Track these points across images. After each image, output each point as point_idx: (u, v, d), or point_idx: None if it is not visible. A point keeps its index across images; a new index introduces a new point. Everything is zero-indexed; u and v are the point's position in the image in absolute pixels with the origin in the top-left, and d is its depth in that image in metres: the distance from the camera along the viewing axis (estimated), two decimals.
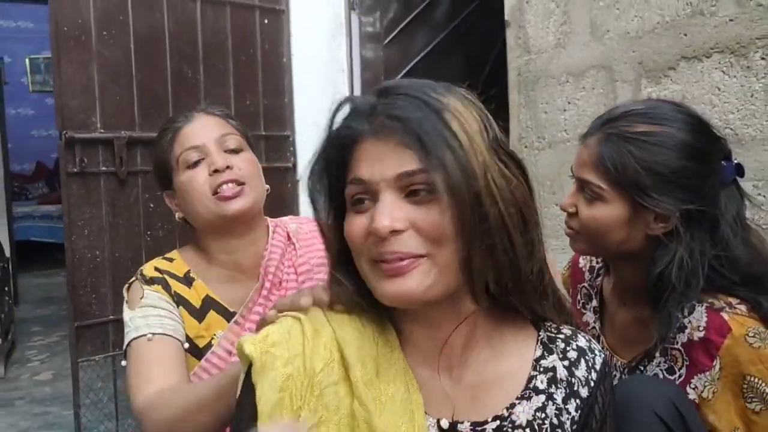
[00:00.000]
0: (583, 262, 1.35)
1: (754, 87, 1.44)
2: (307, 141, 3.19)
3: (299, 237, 1.37)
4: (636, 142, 1.09)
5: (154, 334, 1.19)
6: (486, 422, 0.77)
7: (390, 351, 0.78)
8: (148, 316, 1.21)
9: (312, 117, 3.21)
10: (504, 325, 0.82)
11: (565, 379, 0.79)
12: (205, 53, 2.78)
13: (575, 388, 0.79)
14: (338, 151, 0.76)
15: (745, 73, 1.45)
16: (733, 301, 1.06)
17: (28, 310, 5.22)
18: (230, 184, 1.24)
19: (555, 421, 0.77)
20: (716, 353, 1.03)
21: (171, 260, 1.32)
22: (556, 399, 0.78)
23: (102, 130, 2.47)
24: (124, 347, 1.23)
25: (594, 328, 1.28)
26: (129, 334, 1.21)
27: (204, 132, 1.27)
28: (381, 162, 0.71)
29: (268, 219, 1.37)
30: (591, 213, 1.12)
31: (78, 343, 2.41)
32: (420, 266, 0.70)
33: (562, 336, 0.82)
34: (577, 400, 0.79)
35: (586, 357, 0.81)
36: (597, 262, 1.31)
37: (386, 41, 3.35)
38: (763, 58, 1.42)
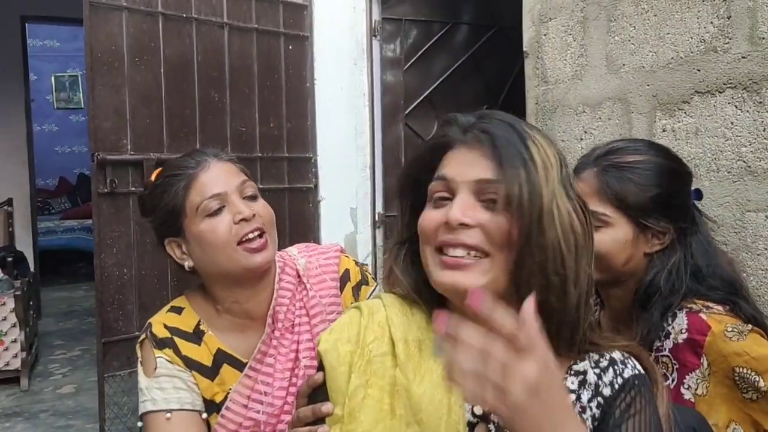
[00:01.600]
0: None
1: (766, 122, 1.48)
2: (329, 162, 3.27)
3: (309, 275, 1.34)
4: (632, 170, 1.23)
5: (172, 411, 1.19)
6: None
7: (434, 337, 0.85)
8: (165, 388, 1.20)
9: (334, 139, 3.30)
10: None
11: (593, 382, 0.84)
12: (231, 78, 2.88)
13: (600, 389, 0.84)
14: (431, 153, 0.87)
15: (757, 108, 1.50)
16: (710, 304, 1.17)
17: (51, 323, 5.31)
18: (255, 233, 1.22)
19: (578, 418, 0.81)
20: (701, 351, 1.12)
21: (180, 311, 1.28)
22: (582, 399, 0.83)
23: (132, 152, 2.56)
24: (141, 413, 1.22)
25: None
26: (146, 404, 1.21)
27: (224, 180, 1.24)
28: (466, 166, 0.82)
29: (276, 254, 1.33)
30: (599, 239, 1.19)
31: (104, 359, 2.48)
32: (478, 265, 0.79)
33: (600, 347, 0.87)
34: (599, 398, 0.83)
35: (616, 366, 0.85)
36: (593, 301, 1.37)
37: (406, 66, 3.43)
38: None
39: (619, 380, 0.84)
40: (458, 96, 3.52)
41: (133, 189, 2.56)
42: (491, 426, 0.83)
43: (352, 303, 1.29)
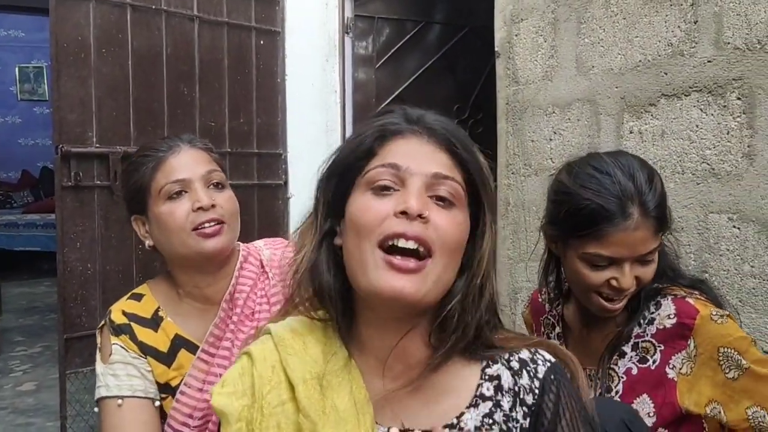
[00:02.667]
0: (541, 297, 1.45)
1: (730, 125, 1.52)
2: (299, 159, 3.25)
3: (272, 266, 1.36)
4: (662, 195, 1.19)
5: (123, 397, 1.22)
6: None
7: (341, 366, 0.82)
8: (118, 375, 1.23)
9: (304, 136, 3.27)
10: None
11: (510, 387, 0.83)
12: (201, 72, 2.84)
13: (521, 396, 0.82)
14: (375, 139, 0.81)
15: (721, 111, 1.53)
16: (691, 290, 1.21)
17: (11, 319, 5.18)
18: (212, 223, 1.24)
19: (504, 427, 0.80)
20: (690, 334, 1.16)
21: (140, 297, 1.32)
22: (503, 406, 0.82)
23: (98, 145, 2.51)
24: (96, 398, 1.26)
25: None
26: (100, 390, 1.24)
27: (191, 166, 1.27)
28: (420, 157, 0.79)
29: (240, 245, 1.36)
30: (651, 270, 1.19)
31: (67, 355, 2.42)
32: (424, 268, 0.75)
33: (505, 349, 0.86)
34: (524, 408, 0.82)
35: (528, 367, 0.84)
36: (552, 295, 1.39)
37: (378, 64, 3.43)
38: (738, 98, 1.50)
39: (536, 383, 0.83)
40: (430, 95, 3.53)
41: (98, 183, 2.51)
42: None
43: None
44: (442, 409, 0.82)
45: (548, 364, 0.84)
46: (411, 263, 0.74)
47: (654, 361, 1.20)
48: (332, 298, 0.82)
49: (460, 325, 0.80)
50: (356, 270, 0.77)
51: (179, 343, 1.28)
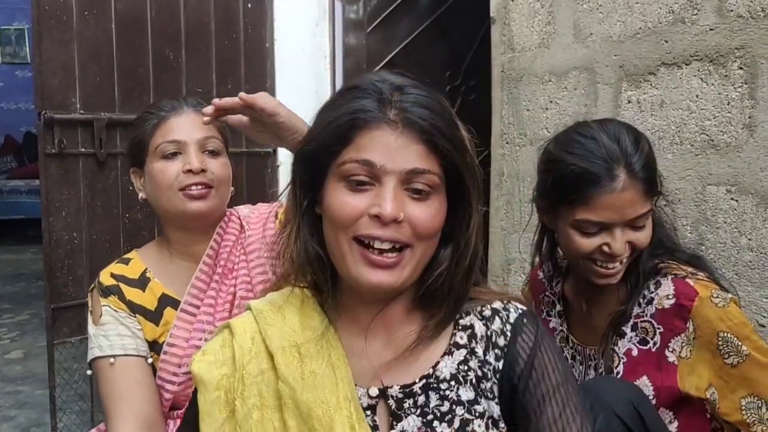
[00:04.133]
0: (541, 274, 1.43)
1: (731, 95, 1.49)
2: None
3: (249, 221, 1.41)
4: (648, 157, 1.18)
5: (115, 356, 1.27)
6: (414, 383, 0.84)
7: (320, 334, 0.85)
8: (109, 336, 1.28)
9: (293, 102, 3.20)
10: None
11: (483, 334, 0.86)
12: (187, 36, 2.75)
13: (493, 340, 0.85)
14: (345, 126, 0.78)
15: (722, 81, 1.50)
16: (693, 270, 1.19)
17: None
18: (199, 186, 1.30)
19: (479, 372, 0.84)
20: (688, 315, 1.14)
21: (128, 261, 1.37)
22: (477, 352, 0.85)
23: (82, 111, 2.44)
24: (89, 360, 1.31)
25: (562, 330, 1.35)
26: (93, 351, 1.29)
27: (189, 129, 1.31)
28: (394, 152, 0.76)
29: (226, 209, 1.42)
30: (643, 236, 1.17)
31: (54, 325, 2.39)
32: (400, 260, 0.78)
33: (478, 301, 0.89)
34: (496, 350, 0.85)
35: (500, 314, 0.87)
36: (551, 272, 1.38)
37: (369, 29, 3.35)
38: (740, 68, 1.47)
39: (508, 327, 0.86)
40: (421, 60, 3.46)
41: (83, 150, 2.45)
42: (390, 401, 0.84)
43: None
44: (419, 362, 0.85)
45: (520, 310, 0.88)
46: (388, 259, 0.77)
47: (654, 344, 1.19)
48: (316, 268, 0.84)
49: (450, 299, 0.84)
50: (336, 256, 0.81)
51: (165, 301, 1.33)
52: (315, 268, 0.84)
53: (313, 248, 0.83)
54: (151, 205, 1.37)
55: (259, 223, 1.41)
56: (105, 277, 1.33)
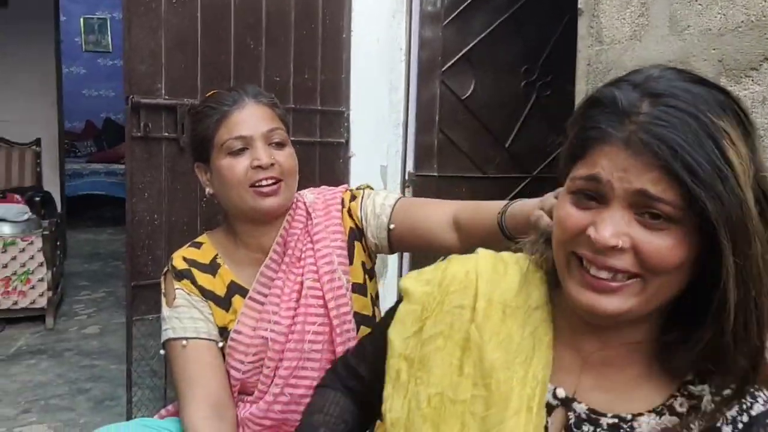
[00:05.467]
0: None
1: None
2: (361, 117, 3.20)
3: (315, 208, 1.40)
4: None
5: (188, 338, 1.28)
6: (605, 415, 0.75)
7: (533, 306, 0.80)
8: (182, 318, 1.30)
9: (368, 94, 3.22)
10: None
11: (709, 413, 0.72)
12: (267, 25, 2.80)
13: (717, 425, 0.71)
14: (578, 142, 0.72)
15: None
16: None
17: (76, 264, 5.38)
18: (270, 181, 1.29)
19: None
20: None
21: (199, 246, 1.38)
22: (692, 429, 0.71)
23: (166, 97, 2.52)
24: (162, 341, 1.33)
25: None
26: (166, 332, 1.31)
27: (253, 123, 1.30)
28: (626, 171, 0.66)
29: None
30: None
31: (133, 302, 2.48)
32: (626, 288, 0.69)
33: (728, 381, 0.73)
34: None
35: (744, 400, 0.72)
36: None
37: (446, 22, 3.32)
38: None
39: (745, 418, 0.71)
40: (497, 54, 3.42)
41: (166, 134, 2.52)
42: (571, 414, 0.76)
43: (352, 226, 1.39)
44: (621, 400, 0.75)
45: None
46: (608, 282, 0.69)
47: None
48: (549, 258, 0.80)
49: (686, 364, 0.72)
50: (559, 272, 0.75)
51: (234, 288, 1.34)
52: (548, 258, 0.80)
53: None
54: (218, 199, 1.36)
55: (324, 209, 1.40)
56: (178, 261, 1.34)
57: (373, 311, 1.42)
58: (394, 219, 1.36)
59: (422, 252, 1.43)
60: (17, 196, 4.26)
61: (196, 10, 2.57)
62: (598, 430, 0.74)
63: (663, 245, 0.66)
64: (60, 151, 5.62)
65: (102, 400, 2.96)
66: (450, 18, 3.33)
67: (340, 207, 1.40)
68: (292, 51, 2.91)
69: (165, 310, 1.32)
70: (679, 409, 0.73)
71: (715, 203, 0.63)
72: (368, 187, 1.47)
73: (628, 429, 0.73)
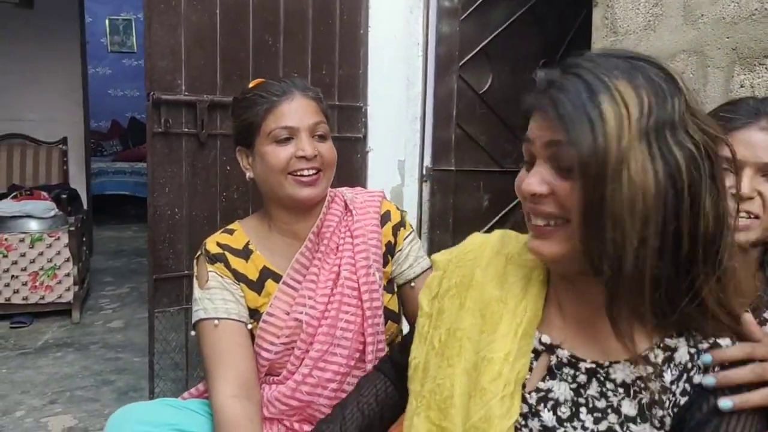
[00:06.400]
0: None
1: None
2: (379, 112, 3.22)
3: (355, 205, 1.46)
4: None
5: (219, 319, 1.33)
6: (584, 360, 0.82)
7: (532, 266, 0.91)
8: (214, 299, 1.34)
9: (385, 89, 3.24)
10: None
11: (683, 363, 0.77)
12: (286, 21, 2.83)
13: (691, 374, 0.76)
14: (525, 119, 0.84)
15: None
16: None
17: (102, 261, 5.48)
18: (311, 171, 1.35)
19: (656, 397, 0.76)
20: None
21: (232, 232, 1.43)
22: (664, 377, 0.77)
23: (186, 93, 2.56)
24: (194, 321, 1.38)
25: None
26: (198, 313, 1.36)
27: (300, 115, 1.35)
28: (540, 130, 0.79)
29: (329, 189, 1.46)
30: None
31: (155, 295, 2.53)
32: (557, 232, 0.78)
33: (702, 332, 0.78)
34: (687, 385, 0.76)
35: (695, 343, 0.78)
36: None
37: (463, 16, 3.33)
38: None
39: (717, 369, 0.76)
40: (516, 49, 3.41)
41: (185, 130, 2.57)
42: (553, 357, 0.84)
43: (391, 240, 1.46)
44: (601, 348, 0.82)
45: None
46: (542, 228, 0.80)
47: None
48: None
49: (667, 310, 0.76)
50: None
51: (266, 273, 1.39)
52: None
53: None
54: (258, 184, 1.42)
55: (363, 208, 1.46)
56: (212, 246, 1.39)
57: (399, 309, 1.50)
58: (417, 282, 1.47)
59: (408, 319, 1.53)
60: (44, 194, 4.35)
61: (215, 7, 2.61)
62: (576, 372, 0.82)
63: (567, 188, 0.76)
64: (86, 149, 5.73)
65: (126, 392, 3.03)
66: (467, 12, 3.34)
67: (378, 210, 1.46)
68: (309, 47, 2.94)
69: (197, 292, 1.37)
70: (654, 360, 0.78)
71: (574, 144, 0.72)
72: (404, 211, 1.54)
73: (604, 374, 0.80)
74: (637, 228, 0.71)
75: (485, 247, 0.96)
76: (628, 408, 0.78)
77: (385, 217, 1.47)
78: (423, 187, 3.37)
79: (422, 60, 3.30)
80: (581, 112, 0.72)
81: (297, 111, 1.35)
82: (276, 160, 1.34)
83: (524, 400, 0.84)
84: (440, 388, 0.87)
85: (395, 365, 1.10)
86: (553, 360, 0.84)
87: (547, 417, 0.82)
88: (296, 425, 1.36)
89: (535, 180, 0.78)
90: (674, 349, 0.78)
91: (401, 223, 1.49)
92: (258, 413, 1.30)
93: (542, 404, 0.83)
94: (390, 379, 1.10)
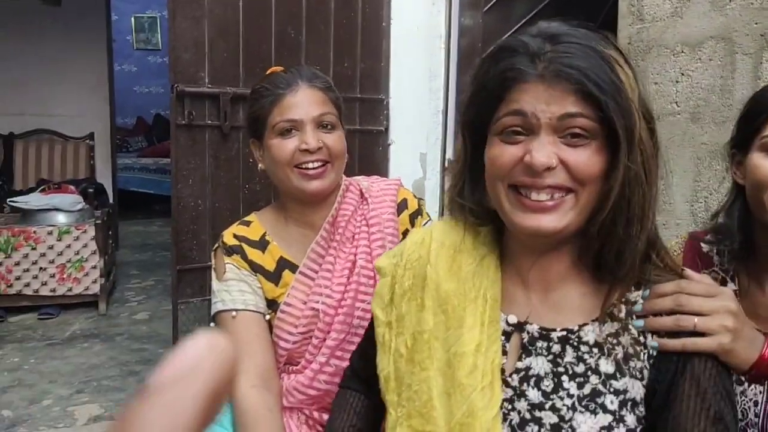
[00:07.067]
0: (706, 247, 1.24)
1: None
2: (401, 105, 3.21)
3: (371, 193, 1.44)
4: None
5: (237, 310, 1.32)
6: (554, 330, 0.83)
7: (482, 250, 0.89)
8: (231, 291, 1.34)
9: (407, 81, 3.23)
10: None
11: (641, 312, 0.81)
12: (308, 14, 2.84)
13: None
14: (497, 86, 0.80)
15: None
16: None
17: (127, 254, 5.55)
18: (316, 163, 1.33)
19: (630, 351, 0.79)
20: None
21: (248, 224, 1.42)
22: (631, 330, 0.80)
23: (209, 85, 2.58)
24: (212, 313, 1.38)
25: None
26: (216, 305, 1.36)
27: (304, 107, 1.33)
28: (547, 102, 0.76)
29: (343, 177, 1.44)
30: None
31: (179, 286, 2.56)
32: (561, 204, 0.78)
33: (655, 280, 0.83)
34: (657, 335, 0.80)
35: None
36: (733, 244, 1.19)
37: (486, 8, 3.30)
38: None
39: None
40: None
41: (209, 122, 2.59)
42: (524, 335, 0.84)
43: (409, 228, 1.42)
44: (567, 315, 0.84)
45: None
46: (545, 202, 0.77)
47: None
48: (480, 213, 0.89)
49: (619, 269, 0.80)
50: (495, 204, 0.83)
51: (283, 264, 1.38)
52: (477, 213, 0.89)
53: (473, 197, 0.89)
54: (270, 176, 1.42)
55: (379, 197, 1.44)
56: (228, 238, 1.39)
57: None
58: None
59: None
60: (71, 187, 4.42)
61: (238, 0, 2.62)
62: (550, 344, 0.83)
63: (585, 156, 0.76)
64: (112, 145, 5.81)
65: None
66: (490, 4, 3.31)
67: (395, 198, 1.44)
68: (332, 40, 2.94)
69: (215, 284, 1.37)
70: (618, 315, 0.81)
71: (616, 112, 0.74)
72: (422, 199, 1.53)
73: (576, 339, 0.82)
74: (648, 188, 0.77)
75: (428, 243, 0.93)
76: (606, 366, 0.80)
77: (402, 206, 1.45)
78: (445, 180, 3.35)
79: (444, 52, 3.28)
80: (608, 82, 0.74)
81: (301, 103, 1.33)
82: (281, 153, 1.33)
83: (507, 384, 0.84)
84: (418, 394, 0.86)
85: (357, 376, 1.09)
86: (525, 337, 0.85)
87: (533, 394, 0.82)
88: (315, 414, 1.36)
89: (545, 152, 0.76)
90: (634, 303, 0.82)
91: (419, 211, 1.47)
92: (277, 403, 1.31)
93: (525, 383, 0.83)
94: (360, 392, 1.08)
